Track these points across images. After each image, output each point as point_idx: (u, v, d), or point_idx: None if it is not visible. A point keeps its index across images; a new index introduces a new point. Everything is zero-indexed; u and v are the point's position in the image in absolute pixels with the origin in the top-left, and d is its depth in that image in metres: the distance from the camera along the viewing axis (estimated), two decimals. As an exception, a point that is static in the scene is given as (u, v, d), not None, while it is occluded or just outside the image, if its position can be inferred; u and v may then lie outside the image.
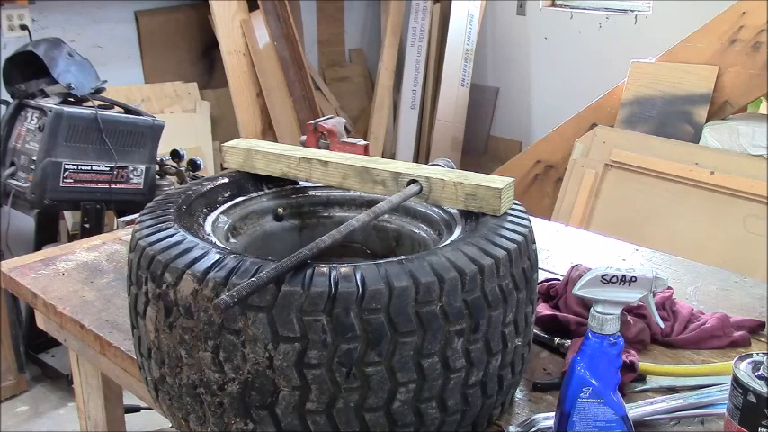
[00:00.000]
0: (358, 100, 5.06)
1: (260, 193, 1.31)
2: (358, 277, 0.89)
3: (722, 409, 0.97)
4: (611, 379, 0.94)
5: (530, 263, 1.04)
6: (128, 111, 2.84)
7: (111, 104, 2.82)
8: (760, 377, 0.90)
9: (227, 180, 1.28)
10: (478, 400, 0.99)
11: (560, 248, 1.73)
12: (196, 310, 0.92)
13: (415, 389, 0.91)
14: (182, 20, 4.15)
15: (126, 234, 1.78)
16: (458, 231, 1.12)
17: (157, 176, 2.91)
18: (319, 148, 2.23)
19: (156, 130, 2.83)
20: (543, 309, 1.34)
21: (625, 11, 4.08)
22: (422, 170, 1.18)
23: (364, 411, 0.91)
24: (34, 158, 2.59)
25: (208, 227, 1.16)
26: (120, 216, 2.78)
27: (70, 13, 3.65)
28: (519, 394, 1.15)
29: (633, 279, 0.93)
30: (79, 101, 2.75)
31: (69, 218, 3.26)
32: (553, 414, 1.00)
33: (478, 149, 4.77)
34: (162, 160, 2.93)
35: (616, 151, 3.26)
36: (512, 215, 1.10)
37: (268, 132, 4.26)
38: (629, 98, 3.39)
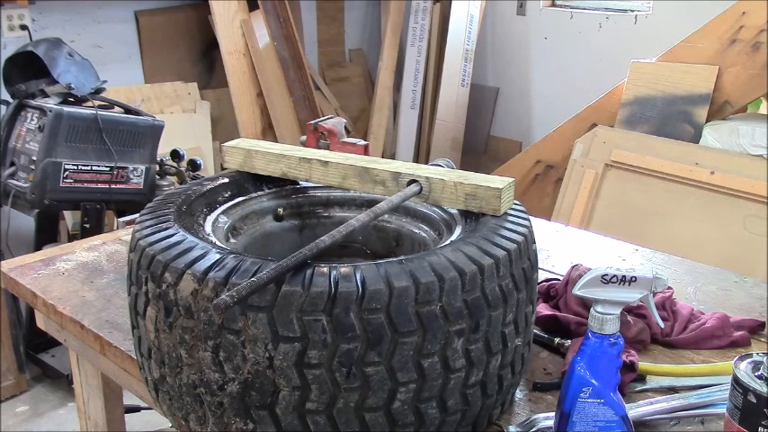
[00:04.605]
0: (358, 100, 5.06)
1: (260, 193, 1.31)
2: (358, 277, 0.89)
3: (722, 409, 0.97)
4: (611, 379, 0.95)
5: (530, 263, 1.04)
6: (128, 111, 2.84)
7: (111, 104, 2.82)
8: (760, 377, 0.90)
9: (227, 180, 1.28)
10: (478, 400, 0.99)
11: (560, 248, 1.73)
12: (196, 310, 0.92)
13: (415, 389, 0.91)
14: (182, 20, 4.15)
15: (126, 234, 1.78)
16: (458, 231, 1.12)
17: (157, 176, 2.91)
18: (319, 148, 2.22)
19: (156, 130, 2.84)
20: (543, 309, 1.34)
21: (625, 11, 4.08)
22: (422, 170, 1.18)
23: (364, 411, 0.91)
24: (34, 158, 2.59)
25: (208, 227, 1.16)
26: (120, 216, 2.78)
27: (70, 13, 3.65)
28: (519, 394, 1.15)
29: (633, 279, 0.93)
30: (79, 101, 2.75)
31: (69, 218, 3.26)
32: (553, 414, 1.00)
33: (478, 149, 4.77)
34: (162, 160, 2.93)
35: (616, 151, 3.25)
36: (512, 215, 1.10)
37: (268, 132, 4.26)
38: (629, 98, 3.39)
